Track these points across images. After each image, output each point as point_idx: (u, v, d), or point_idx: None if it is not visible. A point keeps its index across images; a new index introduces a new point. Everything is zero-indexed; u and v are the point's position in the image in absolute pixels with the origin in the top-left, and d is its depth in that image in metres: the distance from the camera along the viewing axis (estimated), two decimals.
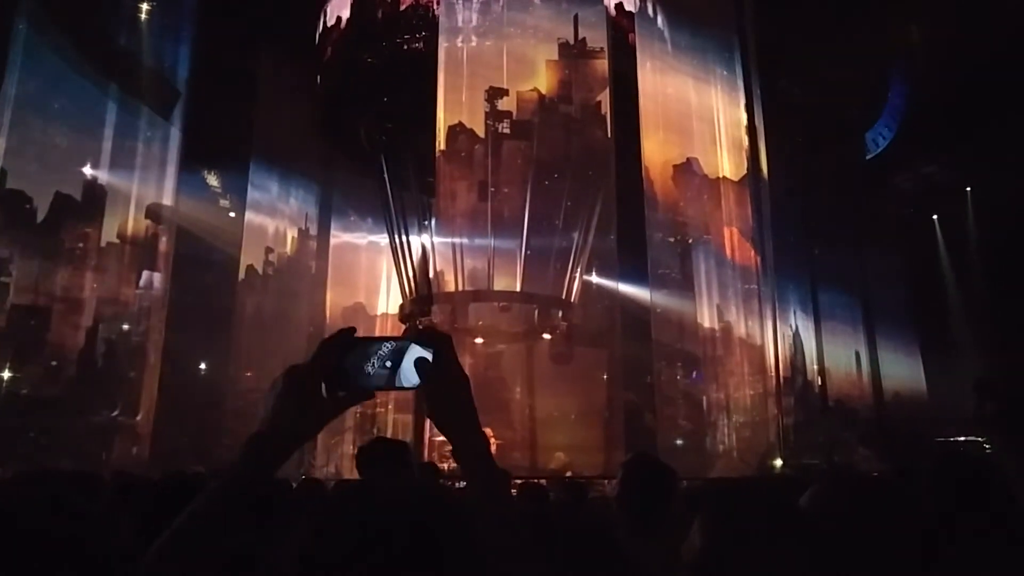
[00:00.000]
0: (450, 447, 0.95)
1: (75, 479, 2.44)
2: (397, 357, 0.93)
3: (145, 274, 14.51)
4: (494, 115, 15.77)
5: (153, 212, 14.73)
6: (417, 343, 0.94)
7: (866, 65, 17.88)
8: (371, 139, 17.14)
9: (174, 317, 14.99)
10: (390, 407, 17.22)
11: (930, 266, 19.60)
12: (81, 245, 13.73)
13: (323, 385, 0.92)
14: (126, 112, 14.99)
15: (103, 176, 14.44)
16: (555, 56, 15.98)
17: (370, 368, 0.93)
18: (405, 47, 16.88)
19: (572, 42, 15.94)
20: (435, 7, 16.32)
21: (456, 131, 15.65)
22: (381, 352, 0.93)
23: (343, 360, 0.92)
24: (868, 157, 19.54)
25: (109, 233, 14.43)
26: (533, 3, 16.13)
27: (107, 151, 14.44)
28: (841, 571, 1.08)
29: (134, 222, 14.51)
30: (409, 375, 0.93)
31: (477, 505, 0.90)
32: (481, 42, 15.91)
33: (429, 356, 0.92)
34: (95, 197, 14.05)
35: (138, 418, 13.80)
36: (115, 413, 13.59)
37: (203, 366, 17.39)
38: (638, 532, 2.14)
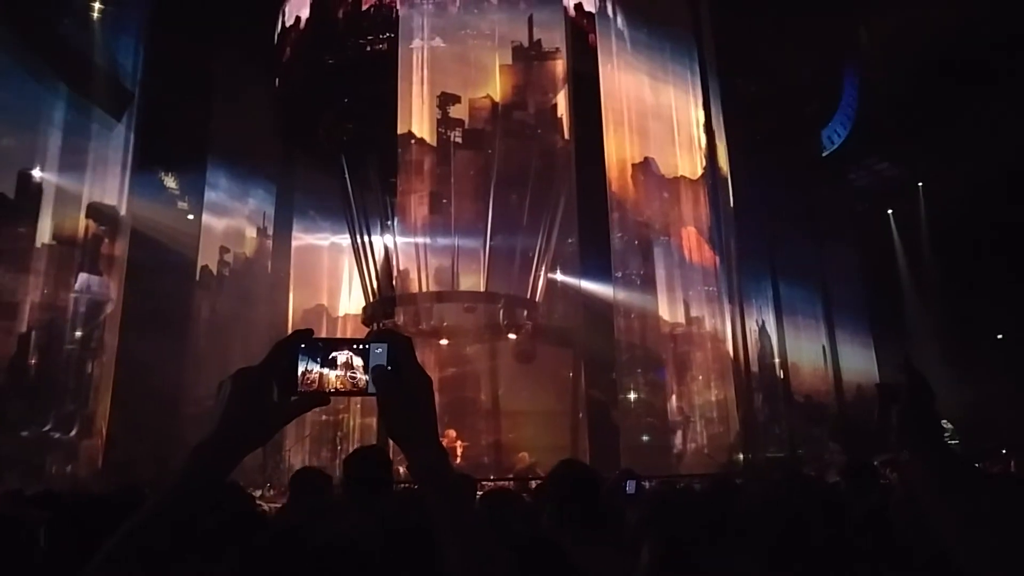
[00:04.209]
0: None
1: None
2: (356, 360, 0.90)
3: (81, 277, 13.69)
4: (446, 123, 15.69)
5: (95, 211, 14.10)
6: (377, 345, 0.90)
7: (821, 63, 18.29)
8: (332, 138, 16.97)
9: (127, 322, 14.48)
10: (354, 411, 16.92)
11: (886, 259, 20.07)
12: (12, 245, 13.00)
13: (275, 389, 0.87)
14: (74, 110, 14.49)
15: (45, 175, 13.84)
16: (509, 60, 15.96)
17: (327, 371, 0.88)
18: (368, 48, 16.77)
19: (527, 44, 15.96)
20: (398, 7, 16.24)
21: (408, 139, 15.53)
22: (339, 354, 0.89)
23: (297, 362, 0.87)
24: (824, 154, 20.01)
25: (48, 234, 13.73)
26: (490, 4, 16.13)
27: (53, 150, 13.87)
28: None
29: (73, 222, 13.82)
30: (368, 380, 0.90)
31: (433, 518, 0.86)
32: (437, 46, 15.84)
33: (386, 360, 0.89)
34: (29, 195, 13.38)
35: (72, 434, 12.97)
36: (47, 428, 12.65)
37: (158, 373, 16.89)
38: (579, 541, 2.10)
